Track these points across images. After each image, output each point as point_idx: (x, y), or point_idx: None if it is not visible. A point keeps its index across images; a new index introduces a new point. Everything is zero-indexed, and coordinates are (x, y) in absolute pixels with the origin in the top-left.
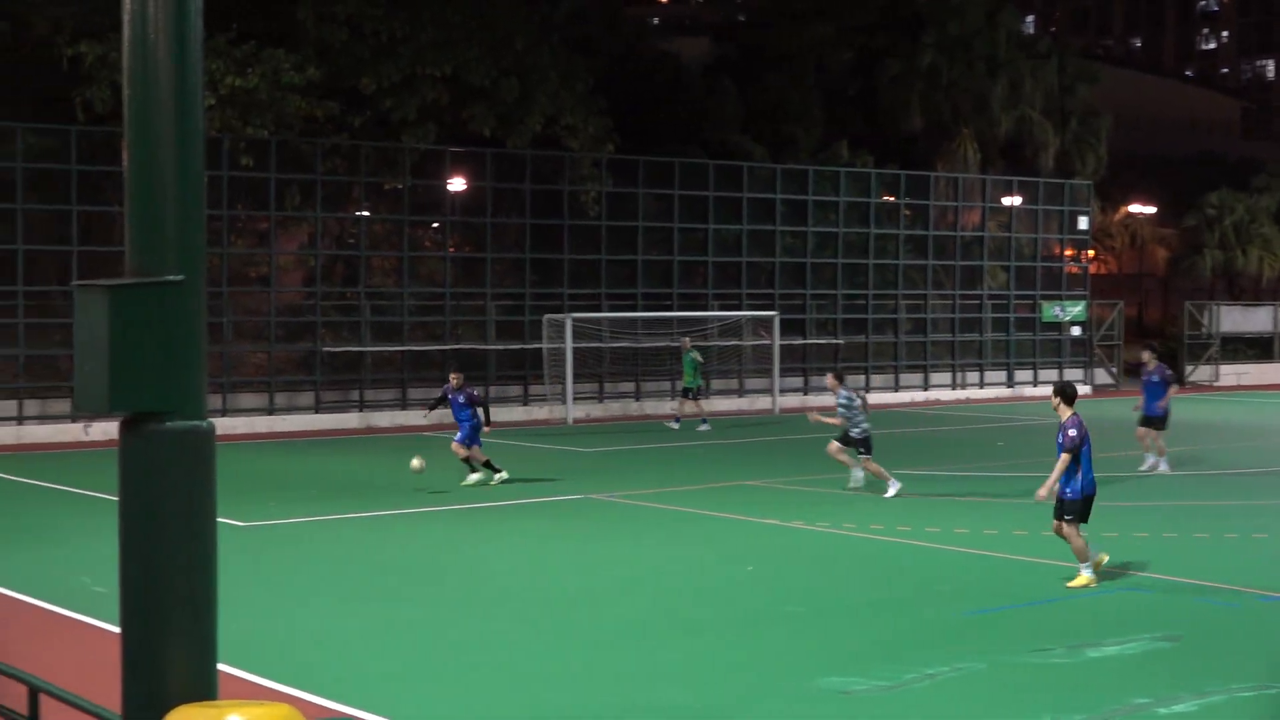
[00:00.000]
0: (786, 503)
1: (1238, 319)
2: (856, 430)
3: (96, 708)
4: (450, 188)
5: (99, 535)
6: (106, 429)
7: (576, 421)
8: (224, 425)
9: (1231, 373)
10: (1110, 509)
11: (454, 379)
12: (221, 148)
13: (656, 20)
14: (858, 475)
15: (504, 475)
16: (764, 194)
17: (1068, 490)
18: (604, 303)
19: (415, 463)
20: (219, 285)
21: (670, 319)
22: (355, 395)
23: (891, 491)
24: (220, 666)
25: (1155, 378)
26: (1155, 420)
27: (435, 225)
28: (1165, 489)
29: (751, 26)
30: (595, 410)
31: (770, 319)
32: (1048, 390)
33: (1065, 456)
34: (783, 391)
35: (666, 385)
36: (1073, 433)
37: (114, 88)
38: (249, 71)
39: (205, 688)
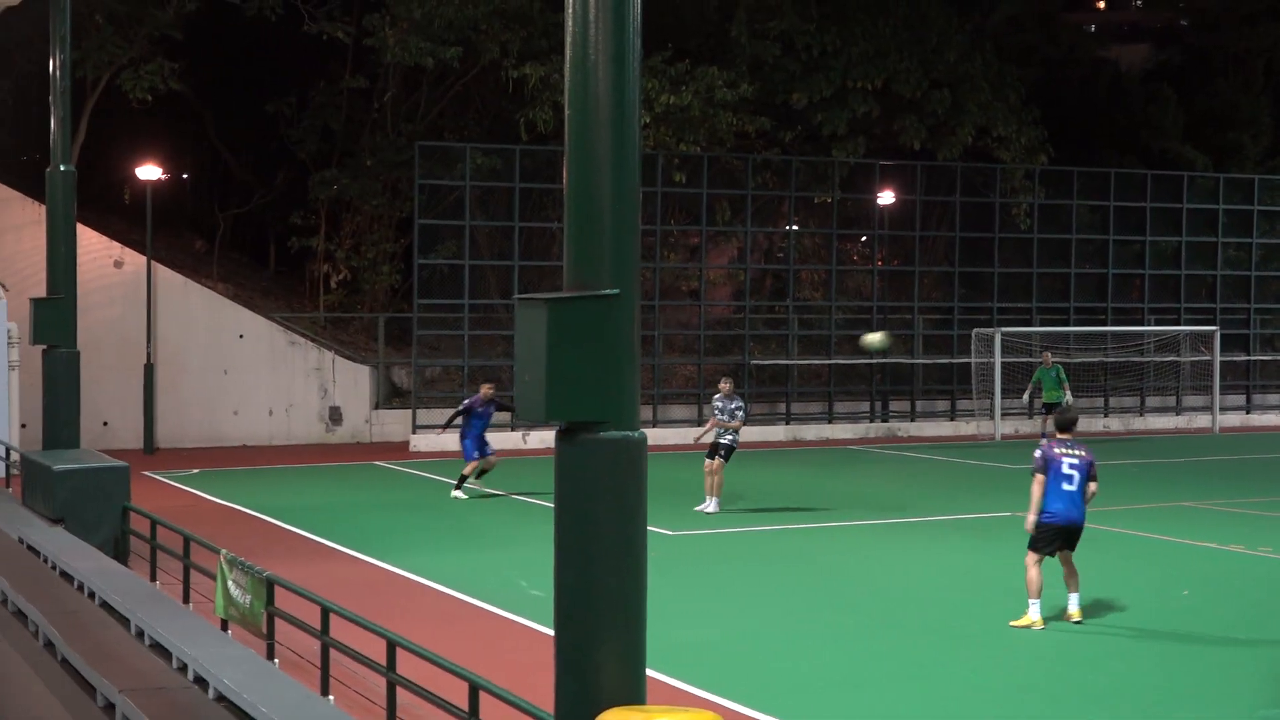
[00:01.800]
0: (1225, 526)
1: None
2: (730, 437)
3: (532, 707)
4: (879, 201)
5: (536, 540)
6: (544, 437)
7: (1004, 437)
8: (654, 436)
9: None
10: None
11: (486, 390)
12: (655, 164)
13: (1094, 27)
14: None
15: (462, 496)
16: (1205, 204)
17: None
18: (1035, 317)
19: (875, 338)
20: (651, 299)
21: (1104, 333)
22: (782, 408)
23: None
24: (649, 671)
25: None
26: None
27: (864, 239)
28: None
29: (1196, 30)
30: (1024, 426)
31: (1211, 334)
32: None
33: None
34: (1223, 410)
35: (1100, 401)
36: (1036, 454)
37: (555, 108)
38: (683, 89)
39: (634, 691)
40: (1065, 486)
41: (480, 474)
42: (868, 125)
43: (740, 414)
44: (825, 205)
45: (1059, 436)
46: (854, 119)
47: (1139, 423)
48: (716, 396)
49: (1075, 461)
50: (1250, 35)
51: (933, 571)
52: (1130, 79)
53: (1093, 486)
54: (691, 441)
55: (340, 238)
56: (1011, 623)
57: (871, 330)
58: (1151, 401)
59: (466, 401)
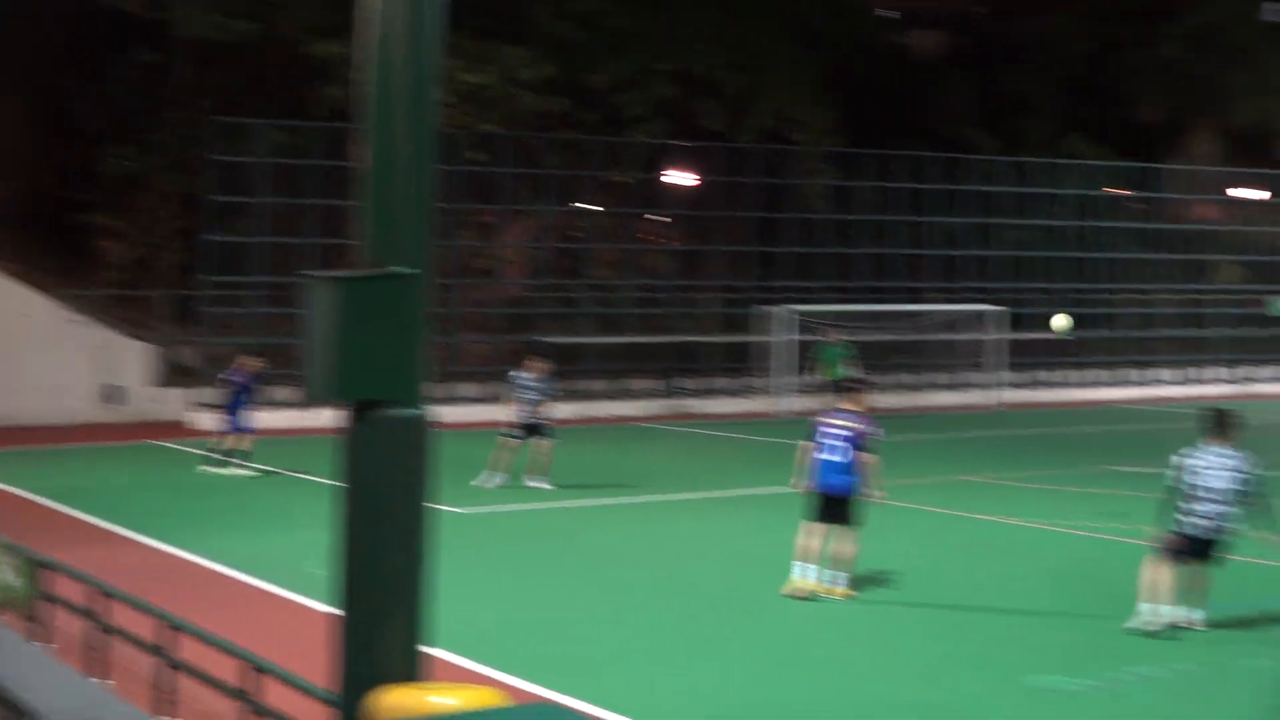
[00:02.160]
0: (1003, 498)
1: None
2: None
3: (312, 686)
4: (676, 181)
5: (319, 519)
6: (332, 416)
7: (793, 414)
8: (447, 413)
9: None
10: None
11: (246, 362)
12: (454, 143)
13: (890, 13)
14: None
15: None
16: (993, 187)
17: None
18: (825, 295)
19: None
20: (447, 277)
21: (892, 312)
22: (574, 385)
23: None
24: (430, 650)
25: None
26: None
27: (660, 219)
28: None
29: (989, 18)
30: (812, 404)
31: (994, 313)
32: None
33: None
34: (1005, 386)
35: (887, 378)
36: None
37: (353, 85)
38: (484, 68)
39: (418, 670)
40: (829, 456)
41: (235, 452)
42: (669, 107)
43: (548, 394)
44: (623, 185)
45: (840, 406)
46: (655, 101)
47: (924, 399)
48: (525, 375)
49: (842, 432)
50: (1042, 23)
51: (717, 546)
52: (924, 65)
53: (865, 458)
54: (489, 419)
55: (129, 215)
56: (782, 590)
57: (1063, 316)
58: (938, 378)
59: (229, 376)
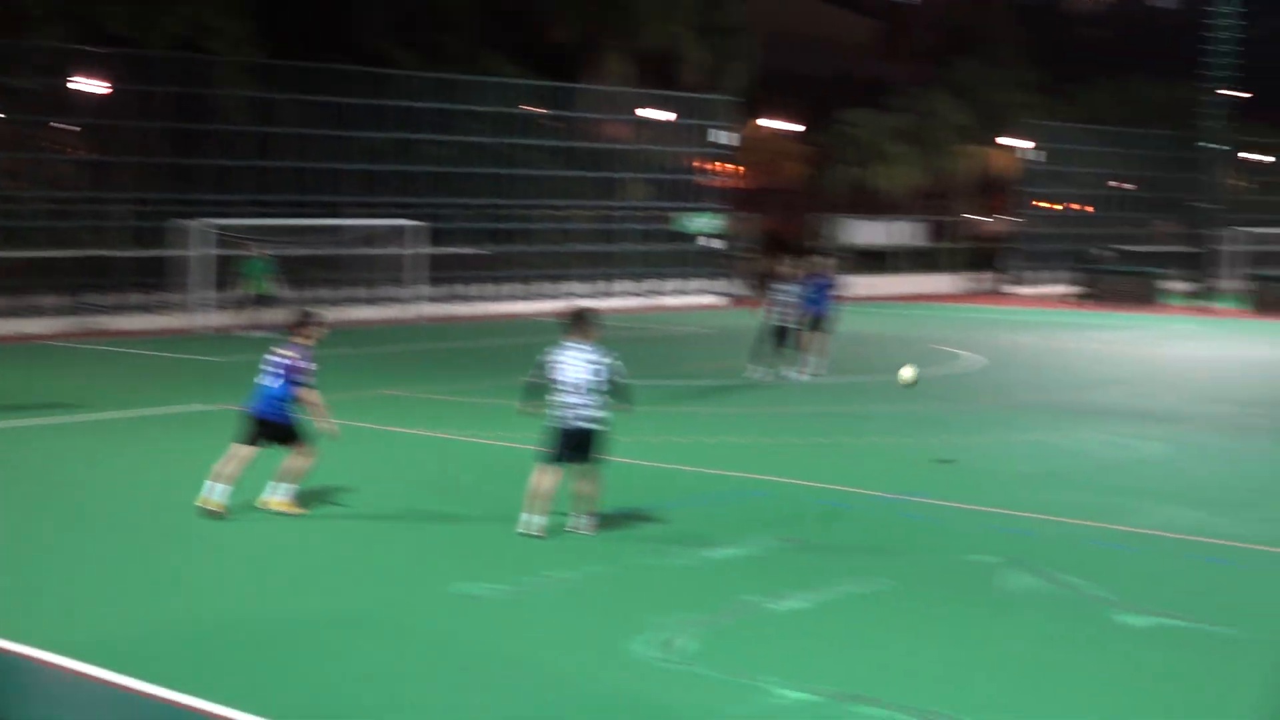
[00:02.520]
0: (426, 412)
1: (864, 232)
2: None
3: None
4: (85, 89)
5: None
6: None
7: (216, 329)
8: None
9: (863, 283)
10: (742, 415)
11: None
12: None
13: None
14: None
15: None
16: (412, 102)
17: None
18: (245, 209)
19: (907, 374)
20: None
21: (314, 226)
22: None
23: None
24: None
25: (821, 284)
26: (820, 324)
27: (68, 128)
28: (782, 397)
29: None
30: (232, 319)
31: (415, 228)
32: (686, 300)
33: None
34: (424, 300)
35: (312, 293)
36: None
37: None
38: None
39: None
40: (265, 382)
41: None
42: (73, 7)
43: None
44: (27, 92)
45: (294, 340)
46: (56, 2)
47: (346, 314)
48: None
49: (278, 360)
50: None
51: (135, 467)
52: None
53: (304, 393)
54: None
55: None
56: (197, 502)
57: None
58: (360, 293)
59: None
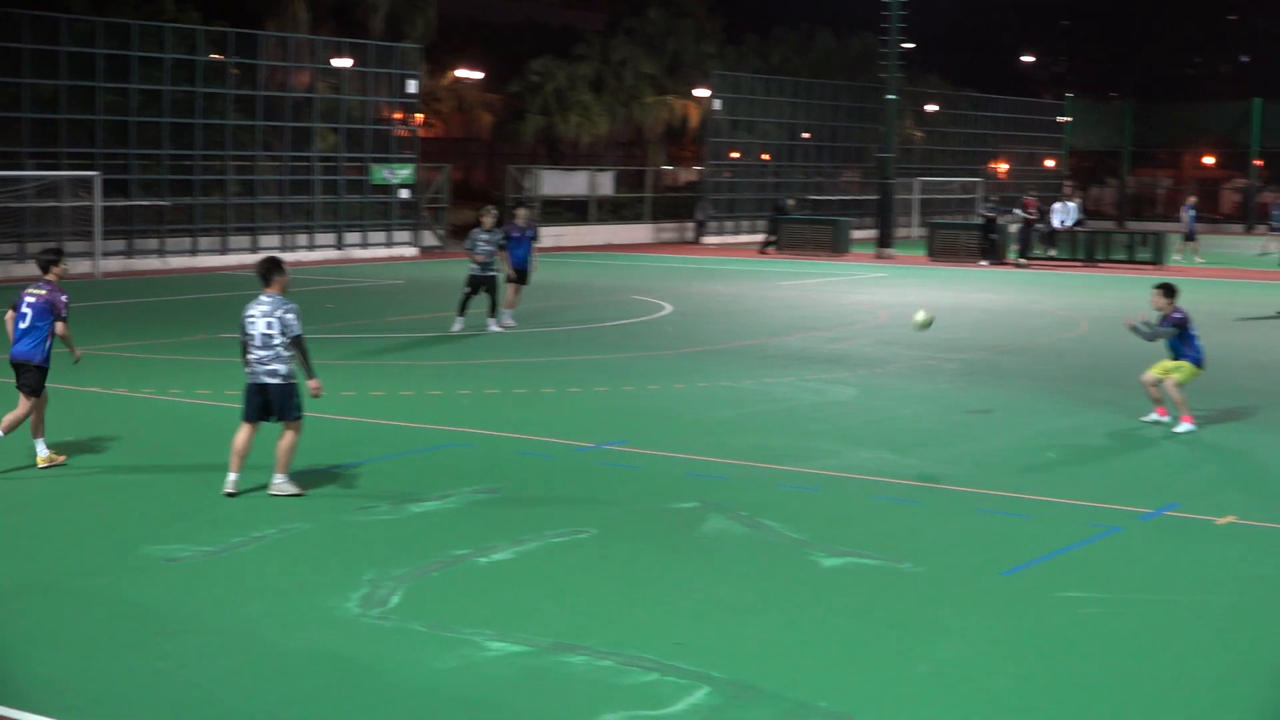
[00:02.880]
0: (111, 369)
1: (558, 183)
2: None
3: None
4: None
5: None
6: None
7: None
8: None
9: (551, 234)
10: (439, 368)
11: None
12: None
13: None
14: None
15: None
16: (85, 48)
17: None
18: None
19: (920, 317)
20: None
21: None
22: None
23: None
24: None
25: (527, 234)
26: (518, 274)
27: None
28: (481, 348)
29: None
30: None
31: (91, 179)
32: (378, 253)
33: None
34: (105, 255)
35: None
36: None
37: None
38: None
39: None
40: (20, 325)
41: None
42: None
43: None
44: None
45: (46, 278)
46: None
47: (18, 270)
48: None
49: (32, 299)
50: None
51: None
52: None
53: (59, 327)
54: None
55: None
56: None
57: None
58: (31, 247)
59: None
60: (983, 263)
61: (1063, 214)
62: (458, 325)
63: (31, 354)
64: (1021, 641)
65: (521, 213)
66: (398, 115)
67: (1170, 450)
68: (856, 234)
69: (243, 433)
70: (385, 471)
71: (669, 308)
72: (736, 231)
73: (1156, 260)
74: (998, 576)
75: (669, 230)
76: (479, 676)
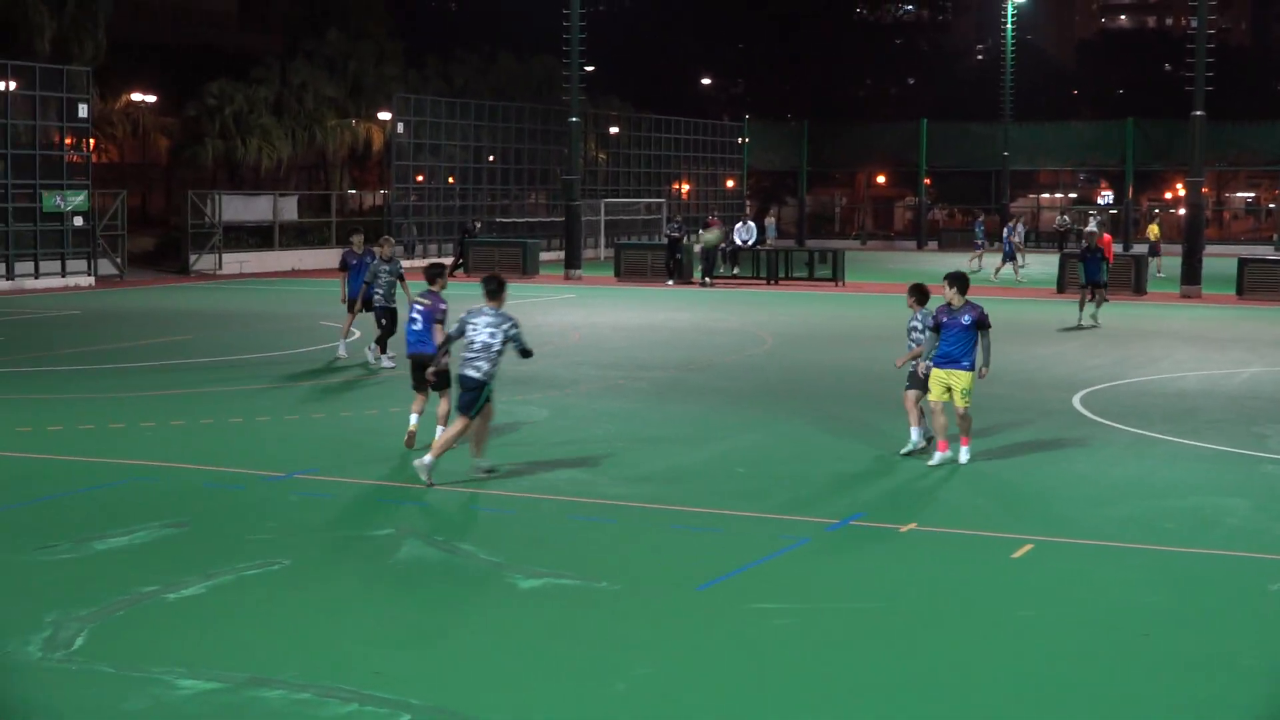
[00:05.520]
0: None
1: (239, 208)
2: None
3: None
4: None
5: None
6: None
7: None
8: None
9: (235, 261)
10: (121, 400)
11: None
12: None
13: None
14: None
15: None
16: None
17: None
18: None
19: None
20: None
21: None
22: None
23: None
24: None
25: (365, 260)
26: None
27: None
28: (174, 378)
29: None
30: None
31: None
32: (53, 283)
33: None
34: None
35: None
36: None
37: None
38: None
39: None
40: None
41: None
42: None
43: None
44: None
45: None
46: None
47: None
48: None
49: None
50: None
51: None
52: None
53: None
54: None
55: None
56: None
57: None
58: None
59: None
60: (669, 282)
61: (745, 233)
62: (354, 353)
63: None
64: (717, 655)
65: (358, 239)
66: (69, 140)
67: (856, 462)
68: (545, 255)
69: None
70: (67, 508)
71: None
72: (424, 255)
73: (835, 277)
74: (693, 591)
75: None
76: (171, 717)
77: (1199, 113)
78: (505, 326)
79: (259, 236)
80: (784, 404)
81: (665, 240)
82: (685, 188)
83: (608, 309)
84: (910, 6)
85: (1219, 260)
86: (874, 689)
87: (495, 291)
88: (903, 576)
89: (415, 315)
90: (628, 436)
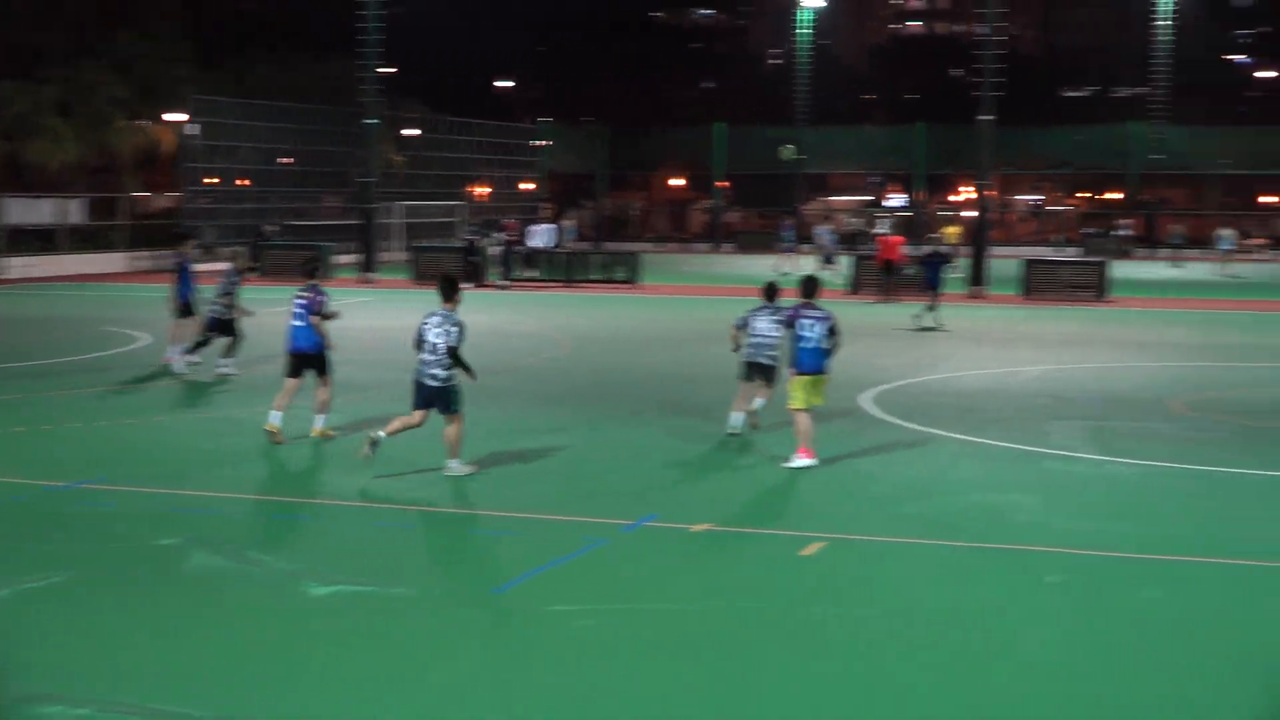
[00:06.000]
0: None
1: (23, 211)
2: None
3: None
4: None
5: None
6: None
7: None
8: None
9: (21, 265)
10: None
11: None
12: None
13: None
14: None
15: None
16: None
17: None
18: None
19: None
20: None
21: None
22: None
23: None
24: None
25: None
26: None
27: None
28: None
29: None
30: None
31: None
32: None
33: None
34: None
35: None
36: None
37: None
38: None
39: None
40: None
41: None
42: None
43: None
44: None
45: None
46: None
47: None
48: None
49: None
50: None
51: None
52: None
53: None
54: None
55: None
56: None
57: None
58: None
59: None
60: (466, 285)
61: (542, 236)
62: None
63: None
64: (514, 658)
65: (188, 245)
66: None
67: (648, 462)
68: (341, 259)
69: None
70: None
71: (147, 338)
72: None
73: (631, 279)
74: (489, 594)
75: (145, 259)
76: None
77: (988, 117)
78: (447, 325)
79: (44, 239)
80: (582, 405)
81: (462, 243)
82: (483, 190)
83: (406, 312)
84: (708, 10)
85: (1005, 261)
86: (669, 690)
87: (447, 292)
88: (697, 576)
89: (298, 309)
90: (425, 440)
